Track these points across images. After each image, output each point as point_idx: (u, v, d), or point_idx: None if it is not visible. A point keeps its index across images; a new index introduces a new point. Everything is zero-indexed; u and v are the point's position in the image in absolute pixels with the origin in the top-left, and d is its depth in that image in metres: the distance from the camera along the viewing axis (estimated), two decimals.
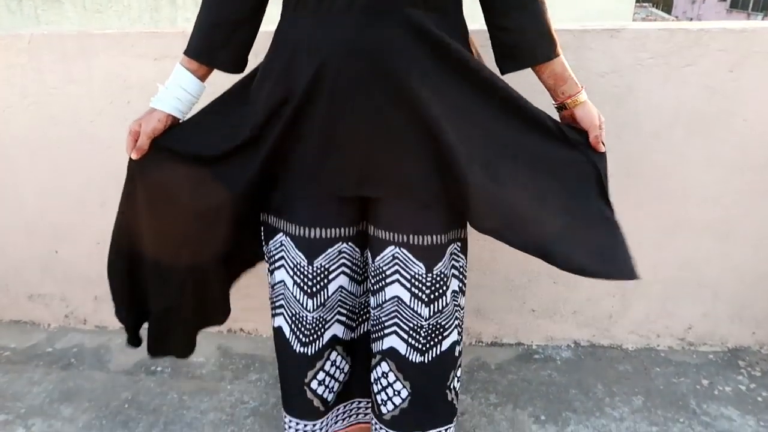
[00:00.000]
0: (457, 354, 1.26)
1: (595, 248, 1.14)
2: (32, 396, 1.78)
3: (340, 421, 1.39)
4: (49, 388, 1.81)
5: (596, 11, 6.25)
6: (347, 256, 1.21)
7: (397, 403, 1.24)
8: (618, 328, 1.91)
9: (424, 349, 1.20)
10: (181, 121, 1.19)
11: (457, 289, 1.23)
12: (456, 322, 1.24)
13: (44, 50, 1.72)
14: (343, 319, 1.27)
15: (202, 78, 1.18)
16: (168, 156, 1.13)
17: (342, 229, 1.18)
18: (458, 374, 1.29)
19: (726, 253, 1.77)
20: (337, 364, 1.30)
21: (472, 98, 1.08)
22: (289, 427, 1.32)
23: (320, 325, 1.23)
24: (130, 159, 1.15)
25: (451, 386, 1.26)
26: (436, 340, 1.21)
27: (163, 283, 1.23)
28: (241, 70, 1.20)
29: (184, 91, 1.16)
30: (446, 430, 1.28)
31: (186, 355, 1.37)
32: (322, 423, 1.31)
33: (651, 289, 1.85)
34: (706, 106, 1.60)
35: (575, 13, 5.72)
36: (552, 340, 1.95)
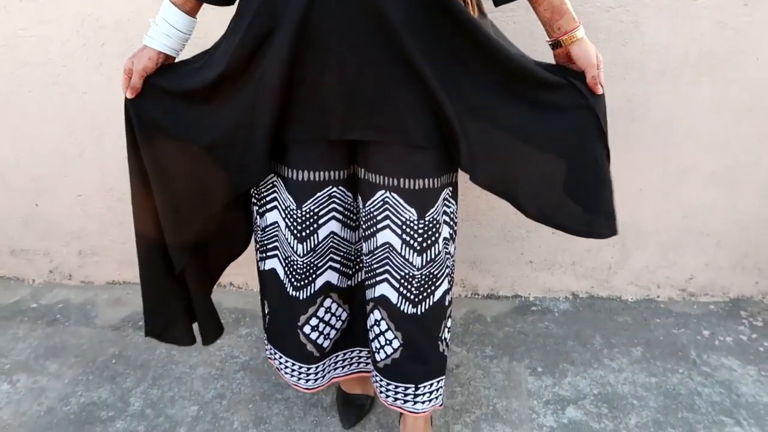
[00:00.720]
0: (447, 303, 1.20)
1: (583, 203, 1.08)
2: (17, 352, 1.74)
3: (340, 368, 1.35)
4: (34, 344, 1.77)
5: None
6: (338, 201, 1.14)
7: (389, 353, 1.19)
8: (617, 279, 1.86)
9: (416, 300, 1.15)
10: (176, 61, 1.09)
11: (447, 236, 1.16)
12: (447, 271, 1.18)
13: None
14: (337, 266, 1.21)
15: (190, 12, 1.07)
16: (162, 95, 1.05)
17: (332, 173, 1.11)
18: (449, 324, 1.24)
19: (732, 201, 1.71)
20: (332, 311, 1.24)
21: (462, 47, 0.99)
22: (282, 365, 1.28)
23: (311, 271, 1.17)
24: (126, 99, 1.05)
25: (443, 337, 1.22)
26: (428, 291, 1.15)
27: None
28: (231, 2, 1.09)
29: (171, 27, 1.05)
30: (437, 383, 1.24)
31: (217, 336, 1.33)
32: (317, 368, 1.27)
33: (652, 238, 1.79)
34: (718, 43, 1.50)
35: None
36: (550, 292, 1.90)
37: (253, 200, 1.23)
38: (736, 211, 1.72)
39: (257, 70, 1.00)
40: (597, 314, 1.83)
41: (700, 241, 1.78)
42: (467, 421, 1.45)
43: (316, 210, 1.13)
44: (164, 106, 1.06)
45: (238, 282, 1.98)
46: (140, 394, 1.57)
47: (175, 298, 1.26)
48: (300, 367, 1.27)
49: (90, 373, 1.65)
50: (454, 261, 1.25)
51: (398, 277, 1.13)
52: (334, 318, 1.26)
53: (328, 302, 1.23)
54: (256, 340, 1.76)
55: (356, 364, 1.38)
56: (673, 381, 1.56)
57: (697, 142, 1.63)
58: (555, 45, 1.08)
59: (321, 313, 1.23)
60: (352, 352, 1.36)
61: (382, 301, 1.17)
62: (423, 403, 1.23)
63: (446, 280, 1.18)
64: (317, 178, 1.10)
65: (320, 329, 1.24)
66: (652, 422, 1.43)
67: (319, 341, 1.25)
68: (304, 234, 1.14)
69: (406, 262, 1.12)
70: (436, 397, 1.25)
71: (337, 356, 1.34)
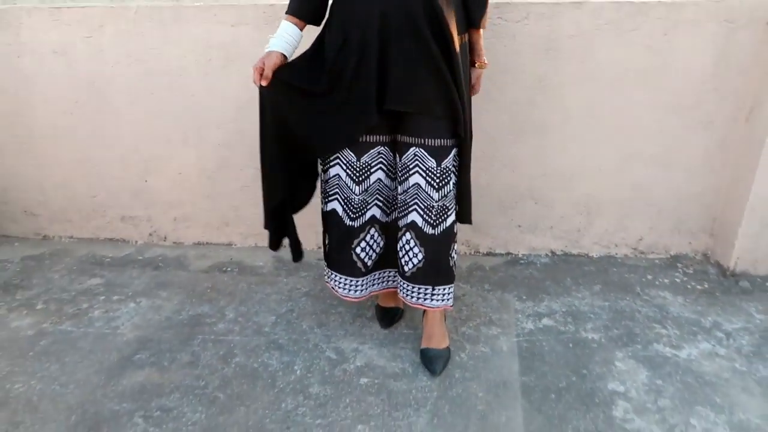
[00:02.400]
0: (455, 230, 1.79)
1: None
2: (135, 285, 2.34)
3: (377, 284, 1.94)
4: (146, 281, 2.37)
5: None
6: (383, 157, 1.75)
7: (415, 263, 1.78)
8: (585, 240, 2.45)
9: (434, 224, 1.74)
10: (289, 60, 1.69)
11: (455, 181, 1.76)
12: (454, 204, 1.77)
13: (146, 18, 2.26)
14: (380, 204, 1.81)
15: (301, 28, 1.69)
16: (282, 83, 1.64)
17: (380, 137, 1.72)
18: (455, 247, 1.82)
19: (667, 178, 2.30)
20: (375, 238, 1.84)
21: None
22: (337, 282, 1.87)
23: (363, 206, 1.78)
24: (261, 87, 1.63)
25: (452, 254, 1.80)
26: (442, 217, 1.74)
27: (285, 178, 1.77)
28: (320, 23, 1.71)
29: (290, 37, 1.66)
30: (448, 288, 1.82)
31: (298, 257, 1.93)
32: (363, 280, 1.86)
33: (610, 208, 2.38)
34: (648, 61, 2.12)
35: None
36: (534, 249, 2.48)
37: (320, 161, 1.83)
38: (671, 185, 2.32)
39: (349, 65, 1.60)
40: (569, 266, 2.41)
41: (646, 210, 2.37)
42: (470, 326, 2.03)
43: (369, 162, 1.73)
44: (285, 94, 1.66)
45: None
46: (232, 309, 2.16)
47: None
48: (350, 281, 1.86)
49: (192, 297, 2.24)
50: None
51: (423, 207, 1.73)
52: (375, 244, 1.85)
53: (372, 231, 1.83)
54: (314, 279, 2.35)
55: (388, 281, 1.97)
56: (621, 304, 2.13)
57: (639, 133, 2.24)
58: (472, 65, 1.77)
59: (368, 238, 1.83)
60: (384, 272, 1.95)
61: (412, 225, 1.76)
62: (437, 300, 1.81)
63: (453, 213, 1.78)
64: (371, 140, 1.72)
65: (366, 251, 1.84)
66: (602, 327, 2.00)
67: (365, 260, 1.84)
68: (360, 179, 1.74)
69: (428, 197, 1.71)
70: (447, 299, 1.83)
71: (374, 275, 1.92)
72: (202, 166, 2.49)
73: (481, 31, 1.72)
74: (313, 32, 1.71)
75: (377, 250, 1.87)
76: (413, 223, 1.75)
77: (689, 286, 2.24)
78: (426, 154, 1.68)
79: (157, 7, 2.23)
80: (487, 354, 1.89)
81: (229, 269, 2.44)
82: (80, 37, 2.31)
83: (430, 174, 1.69)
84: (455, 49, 1.58)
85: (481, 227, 2.46)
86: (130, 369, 1.86)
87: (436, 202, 1.71)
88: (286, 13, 1.67)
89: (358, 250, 1.82)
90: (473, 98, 1.84)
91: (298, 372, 1.82)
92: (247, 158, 2.42)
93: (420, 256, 1.77)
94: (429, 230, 1.74)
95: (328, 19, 1.69)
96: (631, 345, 1.91)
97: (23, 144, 2.55)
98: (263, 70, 1.63)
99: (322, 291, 2.26)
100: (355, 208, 1.78)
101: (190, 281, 2.36)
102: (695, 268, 2.36)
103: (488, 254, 2.51)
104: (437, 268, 1.79)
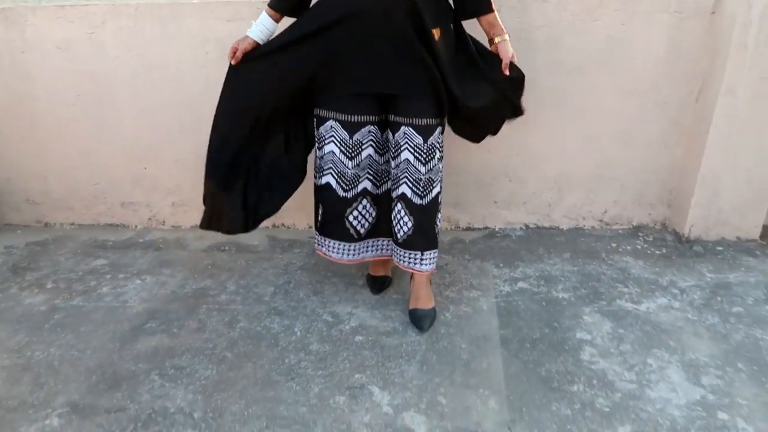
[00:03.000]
0: (439, 201, 1.99)
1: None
2: (139, 264, 2.49)
3: (370, 252, 2.13)
4: (149, 260, 2.53)
5: None
6: (373, 135, 1.94)
7: (406, 230, 1.97)
8: (556, 214, 2.67)
9: (422, 195, 1.94)
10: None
11: (439, 156, 1.96)
12: (439, 178, 1.97)
13: (146, 15, 2.41)
14: (371, 177, 2.00)
15: (277, 21, 1.90)
16: (250, 60, 1.87)
17: (371, 116, 1.91)
18: (440, 216, 2.03)
19: (628, 155, 2.53)
20: (367, 209, 2.03)
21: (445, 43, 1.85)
22: (329, 247, 2.06)
23: (356, 179, 1.97)
24: (230, 65, 1.87)
25: (437, 222, 2.00)
26: (429, 189, 1.94)
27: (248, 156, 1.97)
28: (298, 15, 1.90)
29: (265, 27, 1.88)
30: (434, 253, 2.02)
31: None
32: (356, 246, 2.05)
33: (577, 184, 2.61)
34: (608, 49, 2.35)
35: None
36: (509, 224, 2.70)
37: (316, 139, 2.01)
38: (631, 161, 2.55)
39: (324, 41, 1.80)
40: (542, 237, 2.63)
41: (610, 185, 2.60)
42: (453, 290, 2.23)
43: (361, 139, 1.93)
44: (251, 65, 1.88)
45: (288, 223, 2.76)
46: (233, 283, 2.33)
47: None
48: (344, 245, 2.05)
49: (195, 273, 2.40)
50: (441, 175, 2.05)
51: (412, 180, 1.93)
52: (367, 213, 2.04)
53: (364, 202, 2.02)
54: (307, 254, 2.53)
55: (380, 250, 2.16)
56: (588, 268, 2.36)
57: (602, 114, 2.47)
58: (490, 42, 1.92)
59: (360, 208, 2.02)
60: (378, 240, 2.14)
61: (402, 196, 1.95)
62: (426, 265, 2.01)
63: (439, 185, 1.98)
64: (362, 120, 1.91)
65: (359, 219, 2.03)
66: (571, 287, 2.22)
67: (358, 228, 2.03)
68: (353, 155, 1.93)
69: (416, 170, 1.91)
70: (433, 263, 2.03)
71: (368, 242, 2.12)
72: (199, 154, 2.63)
73: (493, 14, 1.89)
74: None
75: (369, 219, 2.05)
76: (403, 194, 1.94)
77: (649, 252, 2.47)
78: (414, 132, 1.87)
79: (156, 4, 2.39)
80: (469, 313, 2.09)
81: (226, 248, 2.61)
82: (83, 33, 2.46)
83: (417, 150, 1.89)
84: (433, 38, 1.77)
85: (461, 204, 2.66)
86: (142, 336, 2.02)
87: (423, 175, 1.91)
88: (268, 5, 1.87)
89: (351, 218, 2.01)
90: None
91: (298, 333, 2.00)
92: None
93: (410, 224, 1.96)
94: (417, 201, 1.94)
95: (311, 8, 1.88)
96: (597, 302, 2.13)
97: (26, 136, 2.68)
98: (236, 50, 1.87)
99: (315, 264, 2.44)
100: (348, 181, 1.97)
101: (191, 259, 2.52)
102: (654, 236, 2.60)
103: (468, 229, 2.72)
104: (425, 235, 1.99)
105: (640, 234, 2.62)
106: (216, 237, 2.71)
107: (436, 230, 2.01)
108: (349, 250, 2.07)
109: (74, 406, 1.70)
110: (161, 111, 2.57)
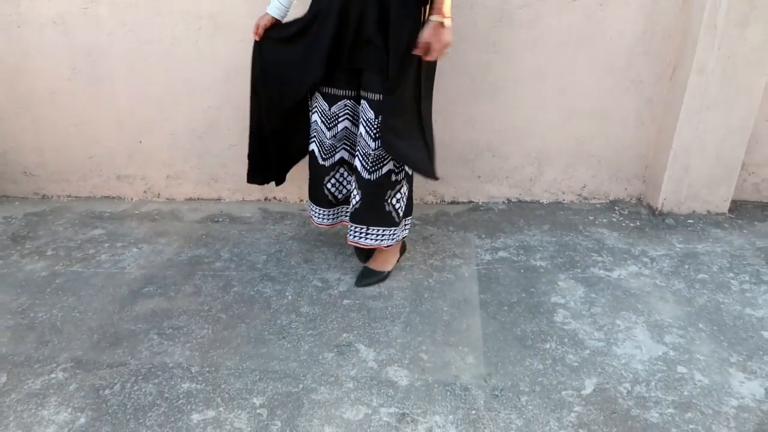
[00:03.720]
0: (393, 179, 2.02)
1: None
2: (135, 234, 2.59)
3: (345, 216, 2.25)
4: (145, 230, 2.62)
5: None
6: (349, 108, 2.04)
7: (354, 203, 2.07)
8: (536, 188, 2.79)
9: (371, 170, 2.00)
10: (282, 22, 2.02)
11: None
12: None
13: None
14: (348, 147, 2.11)
15: None
16: (270, 39, 2.00)
17: (346, 91, 2.01)
18: (398, 196, 2.05)
19: (605, 131, 2.65)
20: (345, 176, 2.15)
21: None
22: (313, 211, 2.21)
23: (333, 149, 2.08)
24: (255, 42, 2.00)
25: (389, 201, 2.04)
26: (378, 165, 1.99)
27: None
28: None
29: (280, 4, 1.99)
30: (382, 230, 2.07)
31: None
32: (331, 211, 2.21)
33: (557, 159, 2.72)
34: (587, 28, 2.45)
35: None
36: (492, 198, 2.81)
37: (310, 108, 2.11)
38: (608, 138, 2.66)
39: (314, 27, 1.91)
40: (523, 210, 2.75)
41: (588, 160, 2.72)
42: (437, 258, 2.34)
43: (337, 112, 2.03)
44: (270, 45, 2.00)
45: (280, 196, 2.85)
46: (227, 251, 2.43)
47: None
48: (322, 211, 2.19)
49: (189, 242, 2.50)
50: None
51: (362, 154, 2.00)
52: (345, 180, 2.16)
53: (342, 170, 2.13)
54: (298, 225, 2.63)
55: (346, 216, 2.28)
56: (565, 239, 2.48)
57: (580, 91, 2.57)
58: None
59: (337, 176, 2.13)
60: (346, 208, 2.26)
61: (354, 169, 2.04)
62: (371, 239, 2.08)
63: (391, 163, 2.00)
64: (339, 93, 2.01)
65: (336, 186, 2.15)
66: (549, 257, 2.35)
67: (335, 193, 2.16)
68: (330, 125, 2.04)
69: (366, 145, 1.98)
70: (381, 240, 2.08)
71: (344, 207, 2.23)
72: (193, 128, 2.73)
73: None
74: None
75: (347, 186, 2.17)
76: (355, 167, 2.03)
77: (624, 224, 2.60)
78: (367, 106, 1.94)
79: None
80: (451, 279, 2.21)
81: (220, 220, 2.71)
82: (78, 8, 2.52)
83: (368, 125, 1.96)
84: (393, 21, 1.81)
85: (446, 178, 2.77)
86: (140, 299, 2.12)
87: (372, 150, 1.97)
88: None
89: (329, 185, 2.14)
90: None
91: (289, 297, 2.11)
92: (234, 120, 2.68)
93: (357, 198, 2.04)
94: (365, 175, 2.00)
95: None
96: (572, 269, 2.26)
97: (22, 109, 2.75)
98: (258, 27, 1.98)
99: (306, 235, 2.55)
100: (327, 150, 2.08)
101: (185, 230, 2.62)
102: (630, 210, 2.73)
103: (452, 203, 2.83)
104: (371, 210, 2.05)
105: (616, 208, 2.74)
106: (210, 209, 2.81)
107: (387, 208, 2.05)
108: (327, 215, 2.22)
109: (78, 361, 1.81)
110: (155, 85, 2.65)
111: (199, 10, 2.49)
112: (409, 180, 2.11)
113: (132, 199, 2.92)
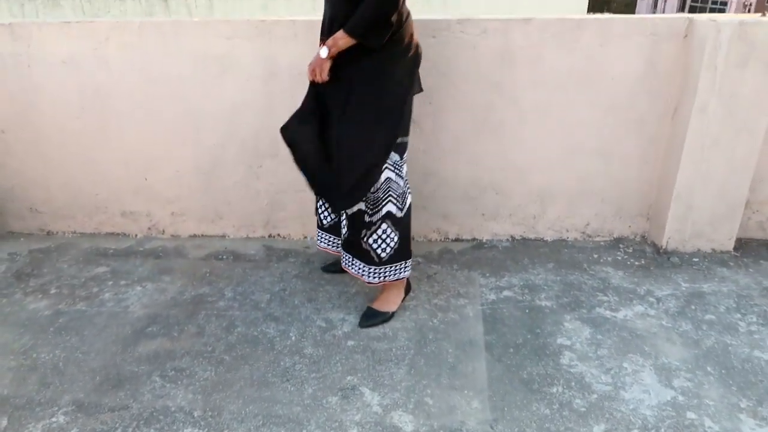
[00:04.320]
0: (366, 220, 2.03)
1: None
2: (140, 271, 2.59)
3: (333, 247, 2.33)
4: (149, 268, 2.62)
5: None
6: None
7: (343, 231, 2.12)
8: (540, 226, 2.79)
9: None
10: None
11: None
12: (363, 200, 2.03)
13: (149, 32, 2.52)
14: None
15: None
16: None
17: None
18: (374, 237, 2.03)
19: (608, 169, 2.66)
20: (326, 206, 2.25)
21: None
22: (317, 238, 2.35)
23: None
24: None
25: (366, 240, 2.05)
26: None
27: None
28: None
29: None
30: (363, 266, 2.09)
31: None
32: (322, 234, 2.31)
33: (560, 197, 2.73)
34: (588, 68, 2.48)
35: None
36: (496, 235, 2.81)
37: None
38: (611, 176, 2.67)
39: None
40: (527, 248, 2.75)
41: (591, 198, 2.72)
42: (441, 298, 2.33)
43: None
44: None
45: (284, 233, 2.86)
46: (230, 290, 2.42)
47: None
48: (318, 233, 2.33)
49: (193, 281, 2.50)
50: (376, 195, 2.05)
51: None
52: (327, 210, 2.27)
53: (322, 200, 2.26)
54: (302, 264, 2.63)
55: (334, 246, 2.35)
56: (570, 278, 2.47)
57: (582, 130, 2.59)
58: None
59: (320, 202, 2.26)
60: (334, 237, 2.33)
61: None
62: (355, 270, 2.14)
63: (363, 203, 2.01)
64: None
65: (321, 212, 2.27)
66: (554, 296, 2.34)
67: (323, 218, 2.27)
68: None
69: None
70: (364, 274, 2.10)
71: (334, 237, 2.30)
72: (198, 165, 2.75)
73: (344, 33, 1.81)
74: None
75: (332, 215, 2.27)
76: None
77: (629, 263, 2.59)
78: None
79: (159, 22, 2.51)
80: (455, 319, 2.19)
81: (224, 257, 2.71)
82: (88, 48, 2.56)
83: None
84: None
85: (449, 216, 2.77)
86: (143, 339, 2.11)
87: None
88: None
89: (320, 210, 2.27)
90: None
91: (293, 338, 2.10)
92: (239, 157, 2.70)
93: (345, 227, 2.13)
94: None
95: None
96: (577, 310, 2.24)
97: (31, 147, 2.78)
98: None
99: (310, 273, 2.54)
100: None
101: (189, 267, 2.61)
102: (634, 247, 2.72)
103: (456, 240, 2.83)
104: (351, 244, 2.12)
105: (620, 246, 2.74)
106: (214, 246, 2.82)
107: (366, 247, 2.07)
108: (320, 237, 2.35)
109: (79, 404, 1.79)
110: (162, 124, 2.68)
111: (207, 51, 2.53)
112: (397, 226, 2.06)
113: (137, 235, 2.92)
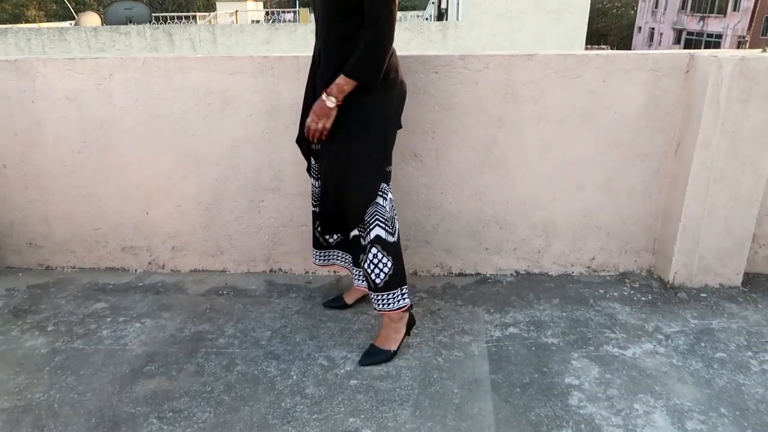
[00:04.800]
0: (362, 243, 2.06)
1: None
2: (138, 307, 2.55)
3: (340, 261, 2.34)
4: (148, 304, 2.58)
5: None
6: (314, 170, 2.17)
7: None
8: (545, 260, 2.75)
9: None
10: None
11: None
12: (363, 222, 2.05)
13: (153, 68, 2.54)
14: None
15: None
16: None
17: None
18: (367, 262, 2.03)
19: (612, 203, 2.64)
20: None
21: None
22: (312, 257, 2.32)
23: (316, 197, 2.20)
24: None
25: (363, 265, 2.06)
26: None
27: None
28: None
29: None
30: (371, 293, 2.09)
31: None
32: (321, 252, 2.32)
33: (565, 231, 2.70)
34: (590, 103, 2.48)
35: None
36: (500, 270, 2.78)
37: None
38: (616, 210, 2.65)
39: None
40: (531, 283, 2.71)
41: (596, 232, 2.70)
42: (445, 335, 2.29)
43: (315, 168, 2.17)
44: None
45: (285, 268, 2.83)
46: (231, 326, 2.38)
47: None
48: (315, 252, 2.31)
49: (193, 317, 2.46)
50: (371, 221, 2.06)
51: None
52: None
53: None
54: (303, 299, 2.59)
55: (345, 262, 2.33)
56: (576, 314, 2.43)
57: (585, 164, 2.58)
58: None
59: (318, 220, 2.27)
60: (344, 254, 2.31)
61: None
62: (362, 284, 2.19)
63: (356, 229, 2.07)
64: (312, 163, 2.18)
65: (319, 230, 2.27)
66: (560, 333, 2.29)
67: (326, 237, 2.28)
68: (313, 179, 2.16)
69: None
70: (373, 296, 2.09)
71: (335, 252, 2.31)
72: (200, 199, 2.74)
73: (346, 78, 1.86)
74: None
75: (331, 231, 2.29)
76: None
77: (635, 298, 2.55)
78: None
79: (163, 58, 2.52)
80: (460, 357, 2.15)
81: (224, 293, 2.67)
82: (91, 84, 2.57)
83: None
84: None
85: (453, 250, 2.75)
86: (141, 378, 2.06)
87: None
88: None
89: (319, 228, 2.27)
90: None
91: (294, 377, 2.05)
92: (240, 192, 2.69)
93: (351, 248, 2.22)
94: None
95: None
96: (585, 347, 2.20)
97: (32, 181, 2.77)
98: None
99: (312, 309, 2.50)
100: (315, 198, 2.21)
101: (189, 303, 2.57)
102: (640, 282, 2.68)
103: (460, 275, 2.79)
104: (359, 264, 2.14)
105: (626, 280, 2.70)
106: (214, 281, 2.78)
107: (367, 271, 2.06)
108: (318, 256, 2.33)
109: None
110: (164, 158, 2.67)
111: (209, 86, 2.54)
112: (390, 251, 2.04)
113: (136, 270, 2.89)
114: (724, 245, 2.52)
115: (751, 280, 2.66)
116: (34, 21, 27.95)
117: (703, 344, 2.20)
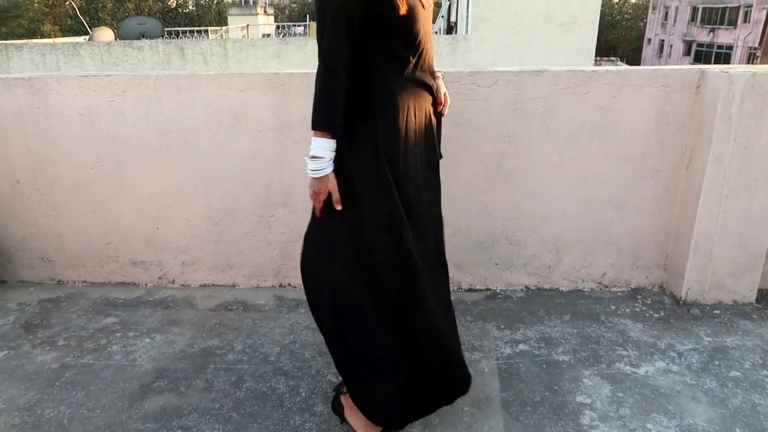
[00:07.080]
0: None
1: None
2: (148, 322, 2.55)
3: None
4: (158, 319, 2.58)
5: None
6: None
7: None
8: (555, 276, 2.74)
9: None
10: None
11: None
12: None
13: (164, 85, 2.56)
14: None
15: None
16: None
17: None
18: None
19: (623, 219, 2.62)
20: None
21: None
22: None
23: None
24: None
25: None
26: None
27: None
28: None
29: (331, 152, 1.58)
30: None
31: None
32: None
33: (575, 247, 2.68)
34: (600, 119, 2.48)
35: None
36: (510, 285, 2.76)
37: None
38: (627, 226, 2.63)
39: None
40: (542, 299, 2.69)
41: (607, 248, 2.68)
42: None
43: None
44: None
45: (294, 283, 2.83)
46: (240, 342, 2.38)
47: None
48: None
49: (202, 332, 2.46)
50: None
51: None
52: None
53: None
54: (311, 315, 2.57)
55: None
56: (587, 331, 2.40)
57: (596, 180, 2.57)
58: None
59: None
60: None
61: None
62: None
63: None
64: None
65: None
66: (571, 350, 2.27)
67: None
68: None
69: None
70: None
71: None
72: (210, 214, 2.75)
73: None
74: None
75: None
76: None
77: (647, 314, 2.52)
78: None
79: (175, 75, 2.55)
80: (471, 375, 2.12)
81: (234, 307, 2.67)
82: (104, 101, 2.60)
83: None
84: None
85: (463, 266, 2.73)
86: (150, 395, 2.06)
87: None
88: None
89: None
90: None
91: (303, 394, 2.04)
92: (250, 207, 2.70)
93: None
94: None
95: None
96: (596, 365, 2.17)
97: (44, 196, 2.80)
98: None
99: None
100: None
101: (199, 318, 2.58)
102: (652, 298, 2.65)
103: (470, 290, 2.78)
104: None
105: (638, 296, 2.67)
106: (224, 296, 2.79)
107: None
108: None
109: None
110: (175, 174, 2.69)
111: (220, 103, 2.56)
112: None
113: (147, 285, 2.90)
114: (737, 261, 2.49)
115: (765, 296, 2.62)
116: (49, 35, 28.42)
117: (717, 362, 2.16)
